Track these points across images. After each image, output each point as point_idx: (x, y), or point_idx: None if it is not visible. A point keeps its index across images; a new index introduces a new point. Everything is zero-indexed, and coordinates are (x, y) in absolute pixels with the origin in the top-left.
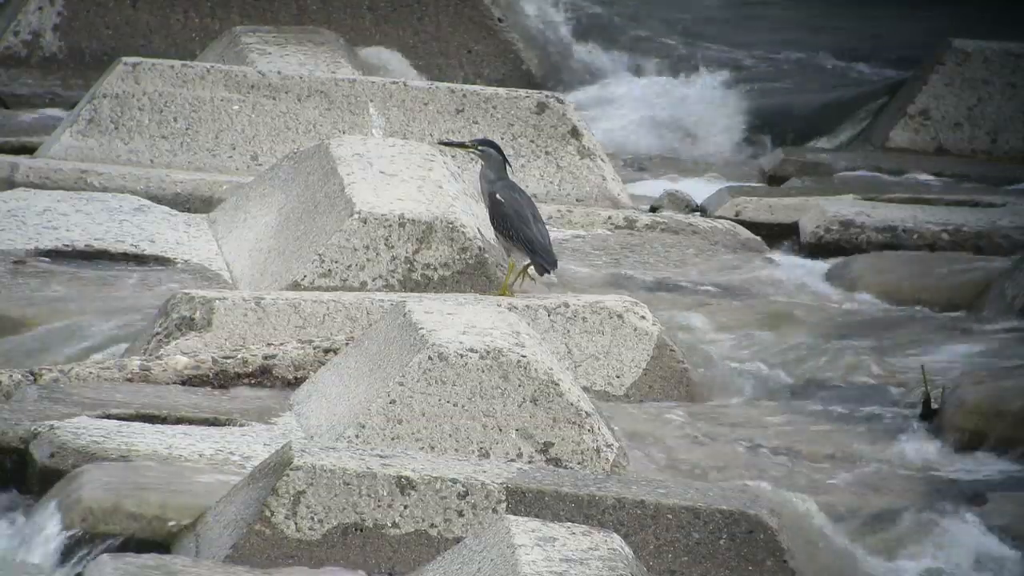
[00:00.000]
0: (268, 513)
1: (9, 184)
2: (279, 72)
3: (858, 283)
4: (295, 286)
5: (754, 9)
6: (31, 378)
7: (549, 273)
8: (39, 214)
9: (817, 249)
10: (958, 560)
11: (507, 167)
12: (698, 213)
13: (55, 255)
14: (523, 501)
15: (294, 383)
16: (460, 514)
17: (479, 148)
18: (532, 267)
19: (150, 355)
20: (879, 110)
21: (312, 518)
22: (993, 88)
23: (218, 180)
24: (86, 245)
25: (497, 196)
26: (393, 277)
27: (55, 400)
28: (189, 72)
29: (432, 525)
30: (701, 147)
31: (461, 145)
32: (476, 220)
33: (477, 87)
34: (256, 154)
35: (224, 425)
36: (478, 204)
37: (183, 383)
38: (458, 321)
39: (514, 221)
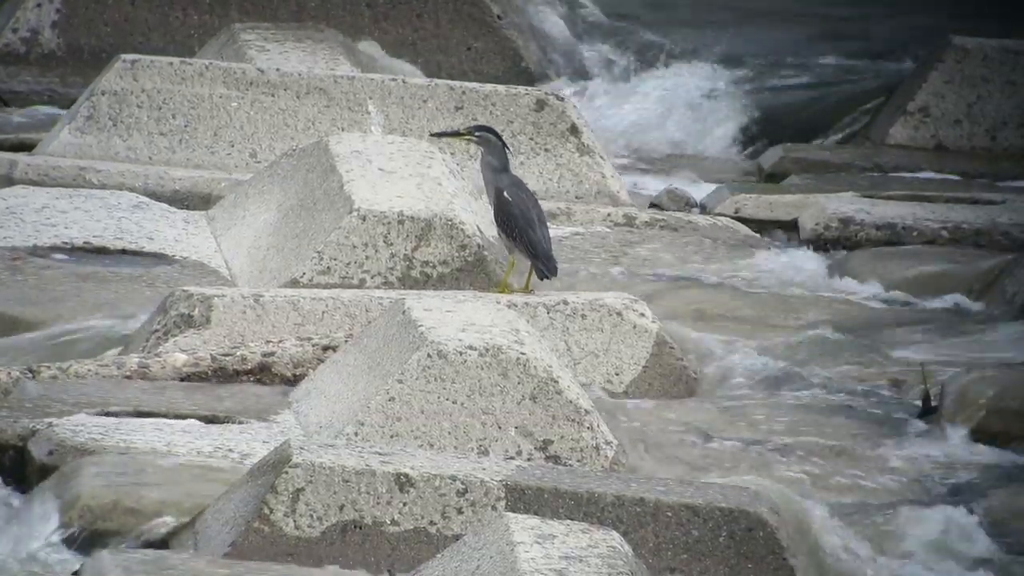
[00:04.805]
0: (267, 511)
1: (8, 181)
2: (278, 69)
3: (858, 280)
4: (294, 283)
5: (754, 6)
6: (30, 375)
7: (548, 279)
8: (37, 211)
9: (817, 246)
10: (958, 557)
11: (507, 152)
12: (697, 210)
13: (54, 252)
14: (522, 499)
15: (293, 380)
16: (459, 511)
17: (476, 134)
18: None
19: (149, 352)
20: (879, 107)
21: (311, 516)
22: (993, 85)
23: (217, 177)
24: (84, 242)
25: (505, 194)
26: (392, 274)
27: (54, 397)
28: (188, 69)
29: (431, 522)
30: (701, 144)
31: (456, 134)
32: (475, 217)
33: (476, 84)
34: (255, 151)
35: (223, 422)
36: (478, 201)
37: (182, 380)
38: (457, 318)
39: (519, 222)
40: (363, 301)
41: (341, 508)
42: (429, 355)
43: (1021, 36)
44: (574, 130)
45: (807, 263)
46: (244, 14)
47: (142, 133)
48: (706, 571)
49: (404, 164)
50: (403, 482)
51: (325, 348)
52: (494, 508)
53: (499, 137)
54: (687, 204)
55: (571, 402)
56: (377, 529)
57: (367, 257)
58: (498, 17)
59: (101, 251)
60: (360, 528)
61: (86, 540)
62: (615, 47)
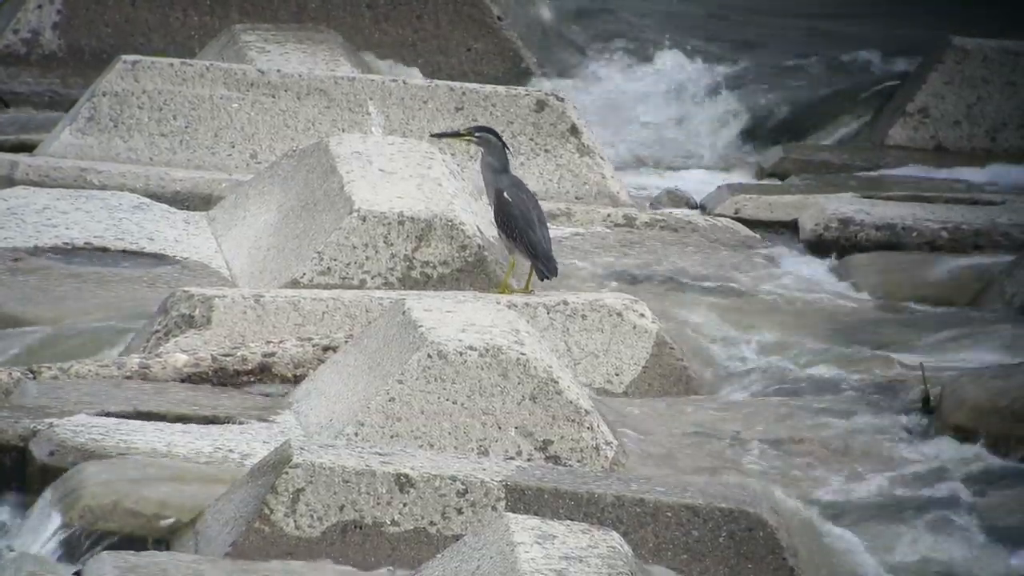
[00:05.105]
0: (267, 511)
1: (9, 182)
2: (278, 70)
3: (858, 281)
4: (294, 284)
5: (754, 5)
6: (30, 376)
7: (548, 279)
8: (38, 212)
9: (816, 247)
10: (956, 557)
11: (507, 152)
12: (697, 211)
13: (55, 253)
14: (522, 499)
15: (293, 381)
16: (459, 512)
17: (476, 135)
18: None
19: (149, 353)
20: (878, 108)
21: (311, 516)
22: (992, 86)
23: (217, 178)
24: (85, 243)
25: (505, 195)
26: (392, 275)
27: (54, 398)
28: (188, 70)
29: (431, 523)
30: (700, 144)
31: (455, 135)
32: (476, 218)
33: (476, 85)
34: (255, 152)
35: (223, 423)
36: (478, 202)
37: (182, 381)
38: (457, 319)
39: (519, 223)
40: (363, 302)
41: (341, 508)
42: (429, 355)
43: (1021, 37)
44: (574, 131)
45: (807, 263)
46: (245, 15)
47: (143, 134)
48: (706, 571)
49: (404, 165)
50: (403, 482)
51: (325, 348)
52: (494, 508)
53: (499, 138)
54: (687, 204)
55: (571, 402)
56: (377, 529)
57: (367, 258)
58: (498, 18)
59: (102, 252)
60: (360, 528)
61: (87, 540)
62: (615, 46)
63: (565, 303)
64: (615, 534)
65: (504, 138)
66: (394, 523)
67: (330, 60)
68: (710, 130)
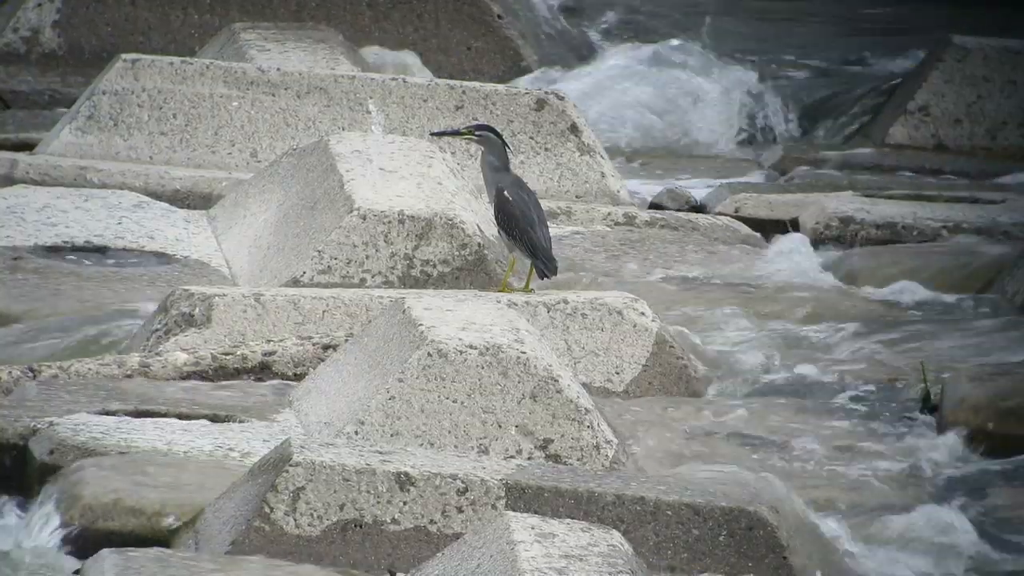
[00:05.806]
0: (267, 509)
1: (8, 181)
2: (278, 69)
3: (858, 278)
4: (294, 283)
5: (754, 4)
6: (31, 374)
7: (548, 278)
8: (38, 211)
9: (817, 246)
10: (957, 555)
11: (507, 150)
12: (698, 210)
13: (54, 252)
14: (522, 497)
15: (293, 379)
16: (459, 510)
17: (476, 133)
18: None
19: (149, 352)
20: (879, 106)
21: (311, 514)
22: (993, 85)
23: (217, 177)
24: (85, 241)
25: (505, 193)
26: (392, 274)
27: (54, 396)
28: (188, 69)
29: (432, 521)
30: (701, 143)
31: (456, 133)
32: (476, 217)
33: (476, 84)
34: (255, 151)
35: (223, 421)
36: (478, 201)
37: (183, 379)
38: (457, 317)
39: (520, 222)
40: (363, 300)
41: (341, 507)
42: (429, 354)
43: (1021, 36)
44: (574, 129)
45: (807, 262)
46: (244, 14)
47: (143, 132)
48: (706, 570)
49: (404, 163)
50: (403, 481)
51: (325, 347)
52: (494, 507)
53: (500, 136)
54: (687, 203)
55: (571, 401)
56: (377, 528)
57: (367, 256)
58: (498, 17)
59: (102, 250)
60: (360, 527)
61: (87, 539)
62: (615, 45)
63: (565, 302)
64: (615, 532)
65: (504, 136)
66: (394, 522)
67: (330, 59)
68: (711, 128)
